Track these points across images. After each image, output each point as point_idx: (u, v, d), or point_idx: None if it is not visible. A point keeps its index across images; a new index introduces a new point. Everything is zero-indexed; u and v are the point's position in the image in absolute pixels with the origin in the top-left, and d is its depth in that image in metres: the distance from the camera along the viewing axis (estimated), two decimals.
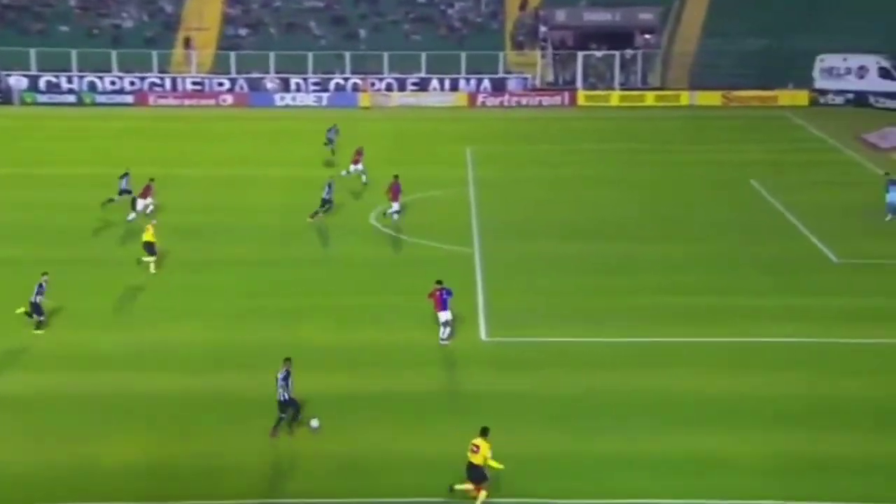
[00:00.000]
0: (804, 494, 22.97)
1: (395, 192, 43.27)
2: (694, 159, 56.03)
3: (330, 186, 44.23)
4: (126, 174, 44.97)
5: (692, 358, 29.98)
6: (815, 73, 74.16)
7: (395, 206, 43.27)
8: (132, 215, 42.71)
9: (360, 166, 49.48)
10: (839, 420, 26.06)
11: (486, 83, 75.31)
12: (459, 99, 74.71)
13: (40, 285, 31.96)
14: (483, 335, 31.80)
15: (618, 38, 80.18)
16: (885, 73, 71.70)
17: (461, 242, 40.88)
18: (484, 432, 23.08)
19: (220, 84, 75.41)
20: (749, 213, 45.09)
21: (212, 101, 74.04)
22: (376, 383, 28.45)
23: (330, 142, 55.22)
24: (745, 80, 75.97)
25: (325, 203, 43.69)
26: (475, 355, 30.51)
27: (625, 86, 77.30)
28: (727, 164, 54.49)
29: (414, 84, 75.60)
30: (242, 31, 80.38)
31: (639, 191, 49.19)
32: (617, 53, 77.53)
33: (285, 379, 25.46)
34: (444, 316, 30.79)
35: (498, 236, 41.66)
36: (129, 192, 44.06)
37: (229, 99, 74.56)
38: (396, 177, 43.77)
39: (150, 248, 37.37)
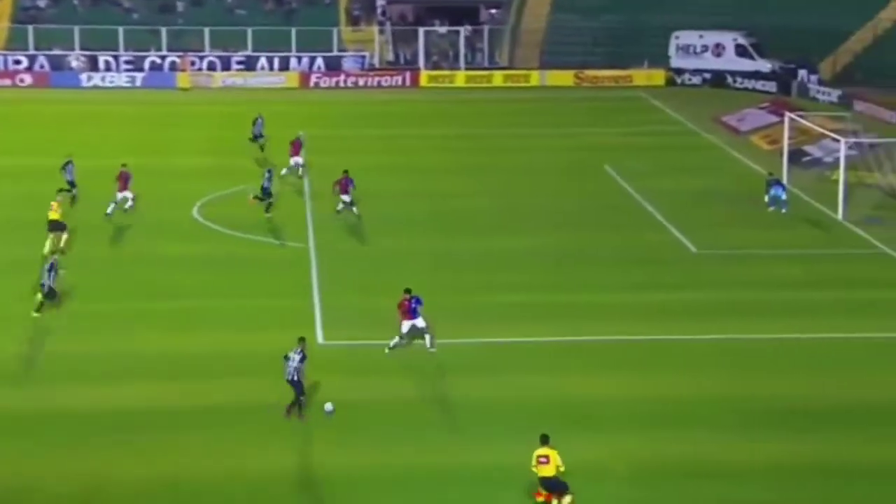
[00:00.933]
0: (672, 501, 23.48)
1: (344, 184, 42.41)
2: (545, 144, 56.88)
3: (270, 174, 43.50)
4: (69, 162, 44.23)
5: (544, 359, 30.32)
6: (672, 51, 76.20)
7: (346, 198, 42.44)
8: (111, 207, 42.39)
9: (299, 158, 48.00)
10: (703, 422, 26.66)
11: (320, 62, 74.99)
12: (290, 79, 74.22)
13: (51, 265, 32.93)
14: (320, 338, 31.67)
15: (462, 13, 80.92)
16: (742, 51, 74.14)
17: (295, 238, 40.59)
18: (546, 440, 23.12)
19: (17, 62, 73.07)
20: (603, 201, 45.99)
21: (7, 82, 71.71)
22: (205, 394, 28.03)
23: (258, 137, 51.90)
24: (598, 59, 77.56)
25: (267, 193, 42.78)
26: (312, 361, 30.24)
27: (471, 65, 78.00)
28: (580, 149, 55.47)
29: (239, 63, 74.72)
30: (41, 2, 78.00)
31: (487, 179, 49.63)
32: (461, 30, 78.17)
33: (302, 361, 26.77)
34: (419, 323, 30.44)
35: (335, 231, 41.53)
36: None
37: (28, 79, 72.35)
38: (346, 171, 43.00)
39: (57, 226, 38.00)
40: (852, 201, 44.35)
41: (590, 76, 75.28)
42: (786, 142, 50.68)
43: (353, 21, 79.81)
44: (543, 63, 77.98)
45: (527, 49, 79.47)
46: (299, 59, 75.04)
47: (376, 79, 74.46)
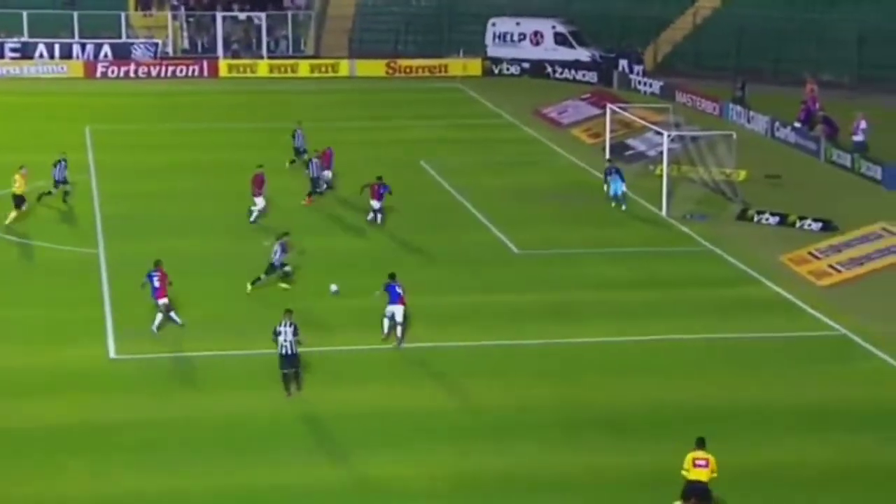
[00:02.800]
0: None
1: (376, 190, 41.92)
2: (357, 138, 56.87)
3: (313, 164, 44.75)
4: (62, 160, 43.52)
5: (349, 370, 30.29)
6: (488, 40, 77.19)
7: (377, 204, 41.90)
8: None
9: (328, 173, 46.85)
10: (524, 432, 27.00)
11: (107, 50, 73.52)
12: (73, 69, 72.50)
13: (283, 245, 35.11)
14: (111, 352, 31.15)
15: None
16: (562, 40, 75.58)
17: (83, 243, 39.76)
18: (702, 443, 23.22)
19: None
20: (420, 199, 46.29)
21: None
22: None
23: (301, 152, 49.35)
24: (411, 48, 78.13)
25: (316, 182, 44.38)
26: (103, 377, 29.76)
27: (274, 54, 77.55)
28: (394, 144, 55.74)
29: (14, 51, 72.65)
30: None
31: (292, 176, 49.39)
32: (263, 16, 77.62)
33: (296, 333, 28.25)
34: (398, 312, 31.27)
35: (127, 234, 40.91)
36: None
37: None
38: (380, 178, 42.33)
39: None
40: (676, 197, 45.72)
41: (402, 66, 75.66)
42: (608, 135, 51.90)
43: (143, 5, 78.36)
44: (353, 52, 78.08)
45: (334, 36, 79.46)
46: (83, 46, 73.29)
47: (170, 68, 73.35)
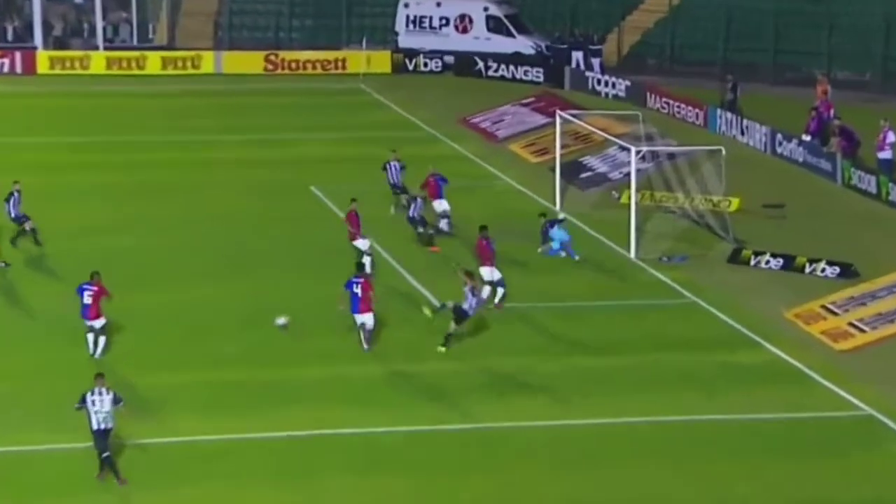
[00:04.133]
0: None
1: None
2: (226, 156, 56.77)
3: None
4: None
5: (212, 467, 29.94)
6: (399, 26, 77.40)
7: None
8: None
9: (444, 203, 46.95)
10: None
11: None
12: None
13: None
14: None
15: None
16: (497, 26, 76.04)
17: None
18: None
19: None
20: (309, 237, 46.16)
21: None
22: None
23: (397, 187, 49.29)
24: (298, 36, 78.16)
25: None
26: None
27: (113, 44, 77.12)
28: (276, 164, 55.92)
29: None
30: None
31: (141, 206, 49.08)
32: None
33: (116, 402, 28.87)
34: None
35: None
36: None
37: None
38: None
39: None
40: (648, 233, 45.88)
41: (286, 60, 75.66)
42: (558, 152, 52.01)
43: None
44: (220, 42, 77.94)
45: (195, 22, 79.44)
46: None
47: None
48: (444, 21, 76.79)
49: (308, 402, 33.26)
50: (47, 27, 76.69)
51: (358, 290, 36.33)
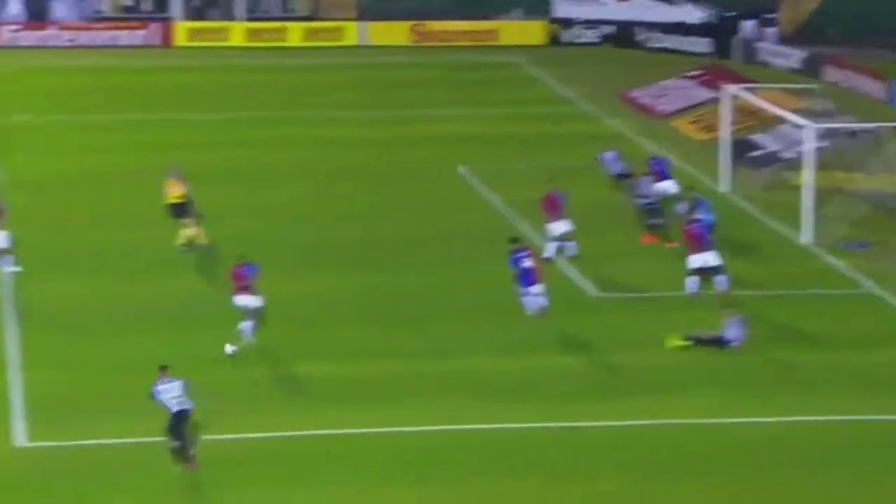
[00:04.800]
0: None
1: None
2: (368, 135, 57.10)
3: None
4: None
5: (347, 462, 30.19)
6: None
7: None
8: None
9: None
10: None
11: (17, 8, 74.06)
12: None
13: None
14: (20, 438, 31.27)
15: None
16: None
17: None
18: None
19: None
20: (457, 220, 46.19)
21: None
22: None
23: (623, 176, 49.42)
24: (447, 5, 78.28)
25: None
26: (7, 473, 29.74)
27: (254, 14, 77.92)
28: (422, 142, 56.00)
29: None
30: None
31: (276, 188, 49.51)
32: None
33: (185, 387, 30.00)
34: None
35: (40, 270, 40.98)
36: None
37: None
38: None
39: None
40: (825, 217, 45.38)
41: (434, 31, 75.94)
42: (726, 128, 51.64)
43: None
44: (364, 12, 78.37)
45: None
46: None
47: (106, 34, 73.80)
48: None
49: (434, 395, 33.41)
50: None
51: (528, 263, 36.64)
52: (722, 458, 30.83)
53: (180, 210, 43.03)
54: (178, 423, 29.68)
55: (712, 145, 53.20)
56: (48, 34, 73.51)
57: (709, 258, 39.35)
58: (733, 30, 72.63)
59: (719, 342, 36.22)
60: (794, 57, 68.61)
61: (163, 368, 30.32)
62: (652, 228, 44.33)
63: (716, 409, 33.02)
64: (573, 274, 41.56)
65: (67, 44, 73.38)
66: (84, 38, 73.65)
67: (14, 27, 73.56)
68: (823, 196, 46.37)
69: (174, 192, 43.33)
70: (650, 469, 29.93)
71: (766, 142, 54.47)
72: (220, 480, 29.52)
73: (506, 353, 36.05)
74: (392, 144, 55.66)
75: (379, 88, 65.90)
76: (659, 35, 73.97)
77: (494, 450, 31.01)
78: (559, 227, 42.05)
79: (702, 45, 72.85)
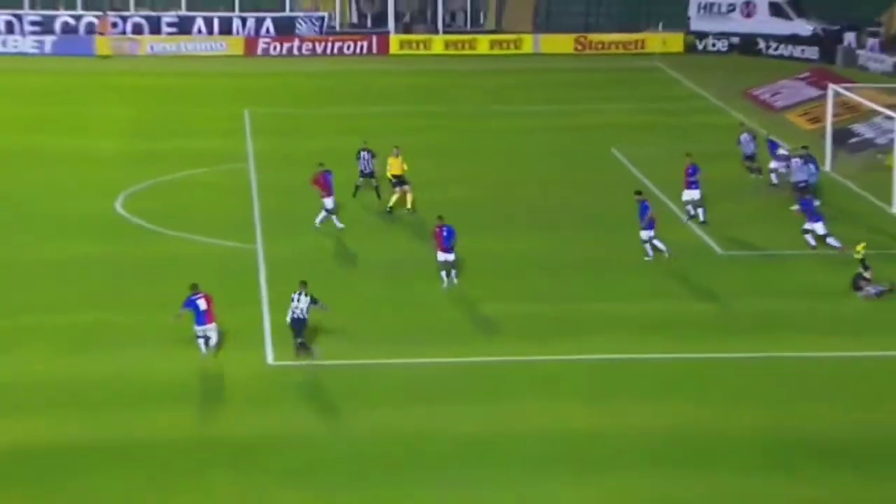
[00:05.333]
0: None
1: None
2: (540, 124, 56.86)
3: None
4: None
5: (540, 383, 30.25)
6: (692, 11, 76.34)
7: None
8: None
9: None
10: (717, 458, 26.60)
11: (269, 24, 74.85)
12: (233, 46, 74.06)
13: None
14: (269, 358, 31.61)
15: None
16: (777, 10, 74.34)
17: (239, 237, 40.44)
18: None
19: None
20: (611, 192, 45.92)
21: None
22: (118, 428, 27.81)
23: (750, 157, 47.33)
24: (604, 21, 77.70)
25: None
26: (259, 386, 30.22)
27: (450, 28, 77.95)
28: (582, 130, 55.63)
29: (171, 25, 74.53)
30: None
31: (468, 165, 49.62)
32: None
33: (313, 302, 31.44)
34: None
35: (288, 229, 41.42)
36: None
37: None
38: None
39: None
40: None
41: (594, 41, 75.36)
42: (829, 120, 50.76)
43: None
44: (538, 26, 78.03)
45: (517, 9, 79.51)
46: (244, 21, 74.88)
47: (336, 45, 74.38)
48: (731, 7, 75.54)
49: (607, 331, 33.23)
50: (398, 15, 77.85)
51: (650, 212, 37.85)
52: (829, 387, 30.43)
53: (399, 181, 43.00)
54: (299, 326, 31.14)
55: (819, 133, 52.25)
56: (293, 45, 74.12)
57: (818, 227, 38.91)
58: (838, 40, 71.15)
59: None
60: (887, 62, 67.05)
61: (303, 283, 31.43)
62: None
63: (820, 346, 32.64)
64: (703, 236, 41.17)
65: (307, 53, 73.95)
66: (320, 48, 74.18)
67: (267, 40, 74.27)
68: None
69: (394, 167, 43.10)
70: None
71: (863, 130, 53.43)
72: (433, 394, 29.79)
73: (654, 298, 35.89)
74: (562, 131, 55.46)
75: (550, 88, 65.61)
76: (776, 44, 72.71)
77: (646, 374, 30.94)
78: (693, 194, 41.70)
79: (811, 52, 71.52)
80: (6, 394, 29.48)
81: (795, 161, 44.12)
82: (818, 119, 54.57)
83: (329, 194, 41.15)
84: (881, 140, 51.27)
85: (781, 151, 46.26)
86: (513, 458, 26.63)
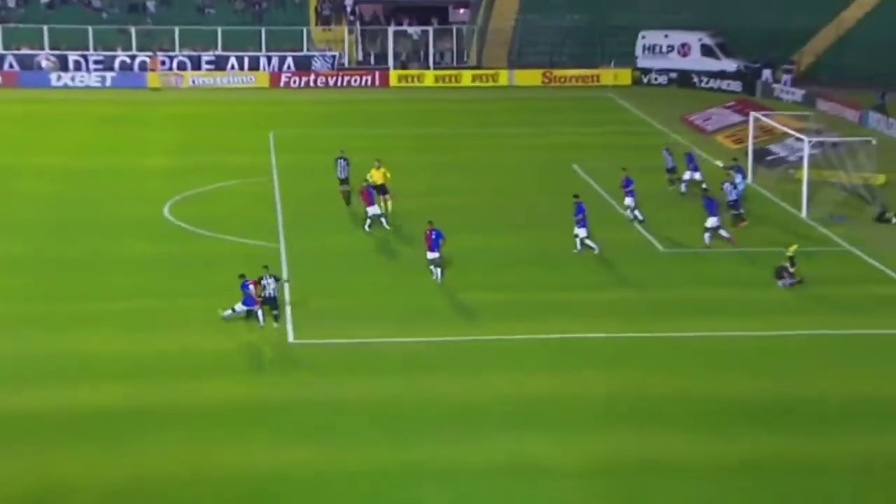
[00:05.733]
0: (626, 499, 23.47)
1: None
2: (514, 143, 56.90)
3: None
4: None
5: (512, 357, 30.38)
6: (638, 51, 76.36)
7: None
8: None
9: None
10: (661, 420, 26.68)
11: (290, 62, 74.78)
12: (260, 79, 73.95)
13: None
14: (291, 337, 31.63)
15: (431, 12, 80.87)
16: (708, 51, 74.42)
17: (265, 237, 40.42)
18: None
19: None
20: (571, 200, 45.92)
21: None
22: (171, 395, 27.90)
23: (672, 170, 47.23)
24: (566, 59, 77.74)
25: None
26: (283, 360, 30.25)
27: (439, 65, 77.98)
28: (549, 148, 55.52)
29: (209, 63, 74.39)
30: (10, 2, 77.48)
31: (456, 177, 49.63)
32: (430, 29, 78.12)
33: (276, 281, 32.46)
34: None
35: (305, 230, 41.39)
36: None
37: None
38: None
39: None
40: (816, 200, 44.52)
41: (557, 76, 75.40)
42: (751, 141, 50.86)
43: (323, 21, 79.61)
44: (511, 63, 78.06)
45: (495, 49, 79.51)
46: (269, 58, 74.78)
47: (346, 78, 74.29)
48: (669, 48, 75.49)
49: (566, 315, 33.29)
50: (396, 55, 77.83)
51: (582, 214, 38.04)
52: (751, 360, 30.46)
53: (382, 189, 42.64)
54: (273, 303, 31.99)
55: (742, 152, 52.28)
56: (310, 79, 74.07)
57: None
58: (757, 75, 71.28)
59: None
60: (797, 94, 67.18)
61: (265, 267, 32.40)
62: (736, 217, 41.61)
63: (744, 327, 32.69)
64: (646, 235, 41.28)
65: (321, 85, 73.88)
66: (332, 81, 74.11)
67: (288, 74, 74.25)
68: (816, 187, 45.58)
69: (377, 177, 42.66)
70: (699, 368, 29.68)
71: (778, 150, 53.52)
72: (407, 369, 29.80)
73: (605, 288, 35.96)
74: (532, 149, 55.52)
75: (522, 113, 65.65)
76: (707, 79, 72.83)
77: (601, 350, 31.08)
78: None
79: (736, 85, 71.60)
80: (78, 365, 29.55)
81: (727, 185, 43.85)
82: (741, 140, 54.64)
83: (370, 204, 40.97)
84: (793, 158, 51.35)
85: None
86: (490, 419, 26.70)
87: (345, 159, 43.85)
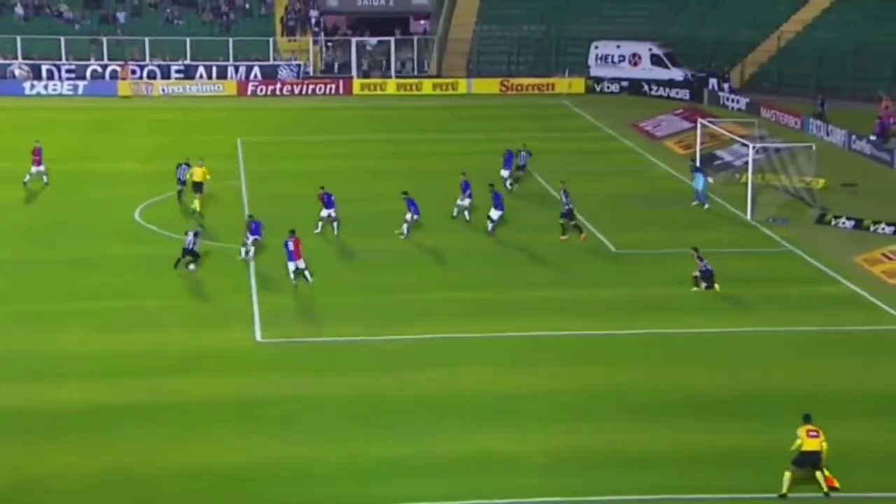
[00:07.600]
0: (588, 490, 23.53)
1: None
2: (474, 149, 56.88)
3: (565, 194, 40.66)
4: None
5: (473, 355, 30.40)
6: (591, 61, 76.66)
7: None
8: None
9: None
10: (620, 413, 26.82)
11: (257, 71, 74.50)
12: (228, 88, 73.61)
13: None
14: (258, 336, 31.49)
15: (393, 23, 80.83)
16: (657, 61, 74.81)
17: (233, 240, 40.29)
18: (809, 418, 23.77)
19: None
20: (528, 203, 46.14)
21: None
22: (141, 392, 27.73)
23: (517, 167, 47.72)
24: (522, 68, 77.90)
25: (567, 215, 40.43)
26: (250, 358, 30.15)
27: (401, 74, 77.94)
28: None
29: (178, 72, 73.97)
30: None
31: (418, 182, 49.44)
32: (392, 40, 78.06)
33: (196, 236, 35.50)
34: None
35: (271, 232, 41.12)
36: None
37: None
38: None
39: None
40: (760, 203, 44.90)
41: (514, 84, 75.53)
42: (698, 146, 51.20)
43: (289, 31, 79.38)
44: (470, 72, 78.10)
45: (454, 58, 79.56)
46: (236, 68, 74.46)
47: (311, 87, 74.07)
48: (621, 57, 75.76)
49: (529, 313, 33.37)
50: (359, 64, 77.73)
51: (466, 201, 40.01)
52: (704, 355, 30.68)
53: (199, 187, 43.14)
54: (192, 255, 35.16)
55: (690, 157, 52.65)
56: (276, 87, 73.84)
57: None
58: (704, 84, 71.76)
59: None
60: (741, 102, 67.72)
61: (190, 229, 35.51)
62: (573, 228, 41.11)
63: (695, 324, 32.93)
64: (601, 237, 41.46)
65: (287, 93, 73.67)
66: (297, 89, 73.91)
67: (255, 83, 74.00)
68: (760, 190, 45.98)
69: (197, 175, 43.36)
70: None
71: (724, 155, 53.95)
72: (374, 366, 29.71)
73: (565, 286, 36.07)
74: (490, 154, 55.04)
75: (480, 120, 65.66)
76: (657, 87, 73.23)
77: (562, 347, 31.19)
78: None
79: (684, 93, 71.97)
80: (55, 363, 29.34)
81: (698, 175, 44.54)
82: (690, 145, 54.98)
83: (328, 207, 40.90)
84: (738, 162, 51.82)
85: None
86: (459, 413, 26.72)
87: (187, 164, 44.64)
